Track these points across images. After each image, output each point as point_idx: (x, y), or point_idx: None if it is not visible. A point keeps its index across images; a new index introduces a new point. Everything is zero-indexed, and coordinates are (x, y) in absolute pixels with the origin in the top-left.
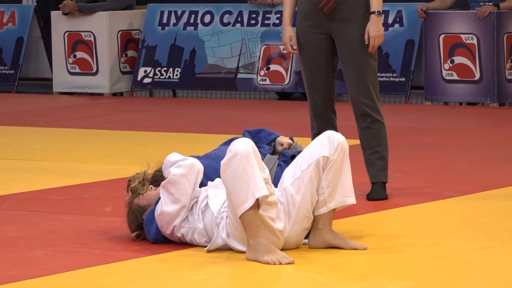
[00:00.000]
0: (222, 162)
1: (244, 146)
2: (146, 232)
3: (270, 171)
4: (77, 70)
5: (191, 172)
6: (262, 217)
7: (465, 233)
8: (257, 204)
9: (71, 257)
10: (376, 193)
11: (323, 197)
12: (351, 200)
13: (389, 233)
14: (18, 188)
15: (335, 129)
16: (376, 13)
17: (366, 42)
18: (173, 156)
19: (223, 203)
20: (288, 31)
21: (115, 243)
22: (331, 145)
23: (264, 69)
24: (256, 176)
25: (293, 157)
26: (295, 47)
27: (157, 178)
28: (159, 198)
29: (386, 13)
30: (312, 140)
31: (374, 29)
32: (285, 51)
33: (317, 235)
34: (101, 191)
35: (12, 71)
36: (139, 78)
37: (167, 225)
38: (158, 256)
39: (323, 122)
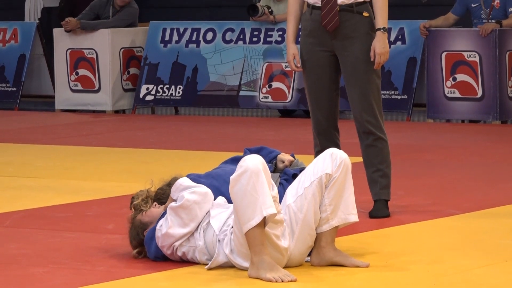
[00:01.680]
0: (231, 177)
1: (254, 163)
2: (147, 250)
3: None
4: (79, 87)
5: (205, 200)
6: (268, 234)
7: (467, 251)
8: (263, 222)
9: (73, 274)
10: (378, 211)
11: (326, 215)
12: (354, 217)
13: (391, 250)
14: (20, 206)
15: (337, 146)
16: (381, 30)
17: (372, 59)
18: (185, 181)
19: (225, 222)
20: (292, 49)
21: (117, 261)
22: (334, 162)
23: (266, 86)
24: (265, 193)
25: (294, 175)
26: (298, 65)
27: (160, 196)
28: (162, 216)
29: (388, 30)
30: (315, 157)
31: (380, 46)
32: (287, 69)
33: (320, 252)
34: (103, 208)
35: (14, 88)
36: (141, 96)
37: (169, 246)
38: (162, 274)
39: (326, 139)
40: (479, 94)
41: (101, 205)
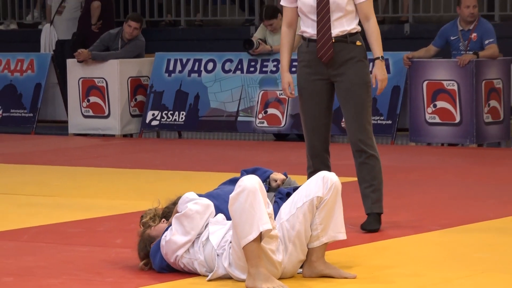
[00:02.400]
0: (231, 195)
1: (252, 182)
2: (152, 261)
3: None
4: (91, 113)
5: (206, 211)
6: (263, 249)
7: (448, 264)
8: (260, 237)
9: (85, 285)
10: (369, 224)
11: (317, 232)
12: (342, 236)
13: (377, 263)
14: (36, 222)
15: (328, 168)
16: (380, 59)
17: (374, 86)
18: (191, 195)
19: (223, 237)
20: (287, 77)
21: (126, 272)
22: (325, 185)
23: (262, 112)
24: (262, 210)
25: (288, 194)
26: (293, 92)
27: (166, 215)
28: (166, 229)
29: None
30: (307, 178)
31: (381, 73)
32: (282, 96)
33: (311, 266)
34: (112, 224)
35: (31, 114)
36: (147, 121)
37: (172, 253)
38: (166, 284)
39: (319, 162)
40: (458, 119)
41: (110, 221)
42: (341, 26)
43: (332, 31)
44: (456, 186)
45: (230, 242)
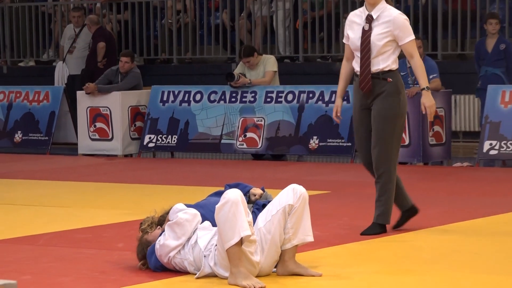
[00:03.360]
0: (217, 206)
1: (235, 195)
2: (148, 261)
3: None
4: (97, 137)
5: (194, 219)
6: (244, 251)
7: (400, 262)
8: (241, 241)
9: (92, 282)
10: (370, 229)
11: (288, 236)
12: (310, 238)
13: (340, 263)
14: (51, 228)
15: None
16: (425, 89)
17: (424, 112)
18: (180, 205)
19: (209, 241)
20: (337, 102)
21: (126, 272)
22: (295, 195)
23: (242, 136)
24: (243, 219)
25: (264, 205)
26: (339, 115)
27: (161, 222)
28: (160, 234)
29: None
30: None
31: (427, 101)
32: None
33: (284, 265)
34: (115, 231)
35: (46, 138)
36: (145, 143)
37: (165, 255)
38: (161, 281)
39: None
40: (407, 142)
41: (113, 228)
42: (378, 64)
43: (371, 67)
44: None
45: (216, 245)
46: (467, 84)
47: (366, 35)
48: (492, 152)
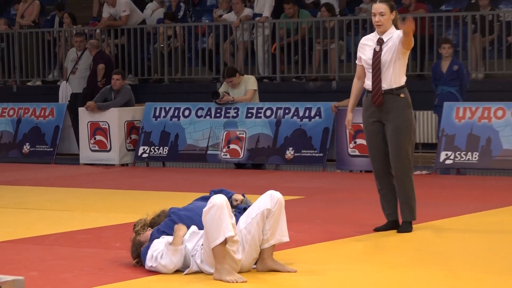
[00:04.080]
0: (204, 209)
1: (220, 200)
2: (142, 260)
3: None
4: (97, 148)
5: (179, 262)
6: (227, 250)
7: (368, 260)
8: (225, 241)
9: (92, 278)
10: (403, 228)
11: (266, 236)
12: (286, 238)
13: (314, 261)
14: (56, 230)
15: (393, 186)
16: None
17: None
18: (179, 228)
19: (196, 243)
20: (349, 116)
21: (122, 268)
22: (272, 200)
23: (226, 147)
24: (227, 221)
25: (244, 209)
26: (350, 127)
27: (153, 224)
28: (151, 235)
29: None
30: (380, 198)
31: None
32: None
33: (263, 262)
34: (113, 232)
35: (51, 149)
36: (139, 154)
37: (153, 268)
38: (153, 277)
39: (384, 182)
40: None
41: (111, 229)
42: (390, 81)
43: (383, 84)
44: (371, 202)
45: (202, 245)
46: (426, 102)
47: (377, 55)
48: (448, 161)
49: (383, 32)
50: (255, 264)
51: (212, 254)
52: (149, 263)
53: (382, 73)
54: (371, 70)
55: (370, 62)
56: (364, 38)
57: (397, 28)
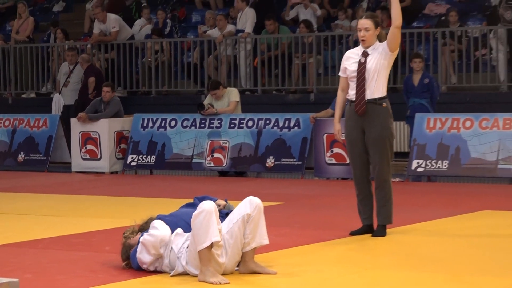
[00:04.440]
0: (193, 213)
1: (209, 206)
2: (131, 262)
3: None
4: (88, 157)
5: (157, 241)
6: (212, 253)
7: (343, 262)
8: (211, 245)
9: (84, 279)
10: (378, 232)
11: (247, 240)
12: (266, 241)
13: (292, 263)
14: (49, 234)
15: (370, 193)
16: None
17: None
18: (156, 223)
19: (182, 245)
20: (337, 126)
21: (113, 270)
22: (251, 206)
23: (210, 156)
24: (214, 227)
25: (227, 214)
26: (340, 136)
27: (141, 230)
28: (139, 239)
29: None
30: (357, 204)
31: None
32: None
33: (245, 265)
34: (103, 236)
35: (45, 158)
36: (128, 162)
37: (142, 264)
38: (141, 279)
39: (362, 187)
40: (347, 161)
41: (101, 234)
42: (373, 91)
43: (366, 94)
44: (347, 208)
45: (187, 248)
46: (398, 113)
47: (361, 66)
48: (419, 169)
49: (367, 47)
50: (237, 266)
51: (198, 256)
52: (134, 263)
53: (366, 83)
54: (355, 81)
55: (355, 74)
56: (348, 51)
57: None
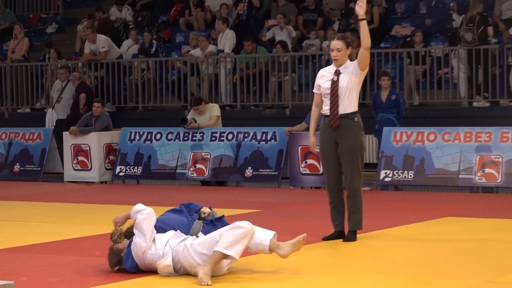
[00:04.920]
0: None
1: (252, 230)
2: (124, 264)
3: (197, 230)
4: (79, 167)
5: (148, 217)
6: (222, 261)
7: (317, 265)
8: (226, 256)
9: (75, 282)
10: (348, 237)
11: (262, 247)
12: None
13: (269, 267)
14: (43, 239)
15: (342, 201)
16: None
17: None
18: (138, 206)
19: (179, 242)
20: (312, 139)
21: (102, 274)
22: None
23: (193, 167)
24: (243, 247)
25: (211, 221)
26: (316, 149)
27: (128, 234)
28: (129, 243)
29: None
30: (330, 209)
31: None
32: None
33: (279, 249)
34: (93, 241)
35: (39, 168)
36: (116, 172)
37: (140, 249)
38: (131, 281)
39: (335, 196)
40: (320, 171)
41: (91, 239)
42: (345, 107)
43: (339, 109)
44: (320, 214)
45: (191, 244)
46: (367, 127)
47: (334, 84)
48: (387, 179)
49: (340, 65)
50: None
51: (196, 254)
52: (132, 262)
53: (339, 99)
54: (329, 97)
55: (328, 91)
56: (322, 69)
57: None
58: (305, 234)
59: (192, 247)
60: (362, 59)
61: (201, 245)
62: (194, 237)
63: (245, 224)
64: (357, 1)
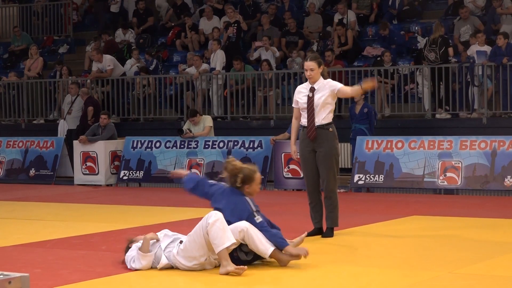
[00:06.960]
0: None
1: (219, 215)
2: (128, 248)
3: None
4: (87, 172)
5: (147, 266)
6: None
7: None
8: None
9: (83, 273)
10: (327, 234)
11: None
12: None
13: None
14: (55, 236)
15: (320, 201)
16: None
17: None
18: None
19: (169, 243)
20: (293, 147)
21: (108, 266)
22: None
23: (189, 171)
24: (229, 230)
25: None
26: (296, 155)
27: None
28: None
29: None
30: (310, 209)
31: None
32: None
33: (281, 259)
34: (100, 237)
35: (52, 173)
36: (120, 176)
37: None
38: (135, 273)
39: (314, 197)
40: (302, 175)
41: (99, 235)
42: (321, 119)
43: (315, 121)
44: (301, 213)
45: (179, 243)
46: (344, 136)
47: (310, 100)
48: (360, 182)
49: (314, 82)
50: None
51: (189, 251)
52: (127, 265)
53: (315, 113)
54: (306, 111)
55: (305, 105)
56: (299, 86)
57: (324, 78)
58: (304, 234)
59: (178, 255)
60: (342, 95)
61: (184, 251)
62: (178, 243)
63: (214, 217)
64: (373, 80)
